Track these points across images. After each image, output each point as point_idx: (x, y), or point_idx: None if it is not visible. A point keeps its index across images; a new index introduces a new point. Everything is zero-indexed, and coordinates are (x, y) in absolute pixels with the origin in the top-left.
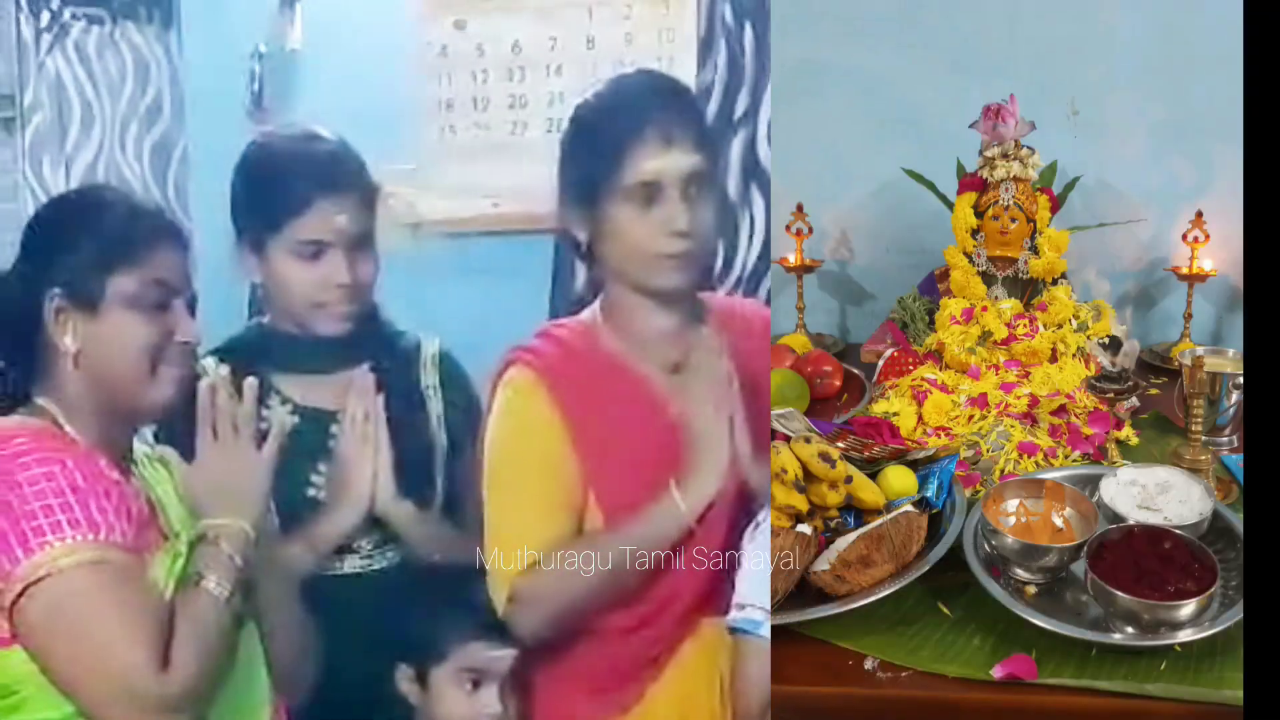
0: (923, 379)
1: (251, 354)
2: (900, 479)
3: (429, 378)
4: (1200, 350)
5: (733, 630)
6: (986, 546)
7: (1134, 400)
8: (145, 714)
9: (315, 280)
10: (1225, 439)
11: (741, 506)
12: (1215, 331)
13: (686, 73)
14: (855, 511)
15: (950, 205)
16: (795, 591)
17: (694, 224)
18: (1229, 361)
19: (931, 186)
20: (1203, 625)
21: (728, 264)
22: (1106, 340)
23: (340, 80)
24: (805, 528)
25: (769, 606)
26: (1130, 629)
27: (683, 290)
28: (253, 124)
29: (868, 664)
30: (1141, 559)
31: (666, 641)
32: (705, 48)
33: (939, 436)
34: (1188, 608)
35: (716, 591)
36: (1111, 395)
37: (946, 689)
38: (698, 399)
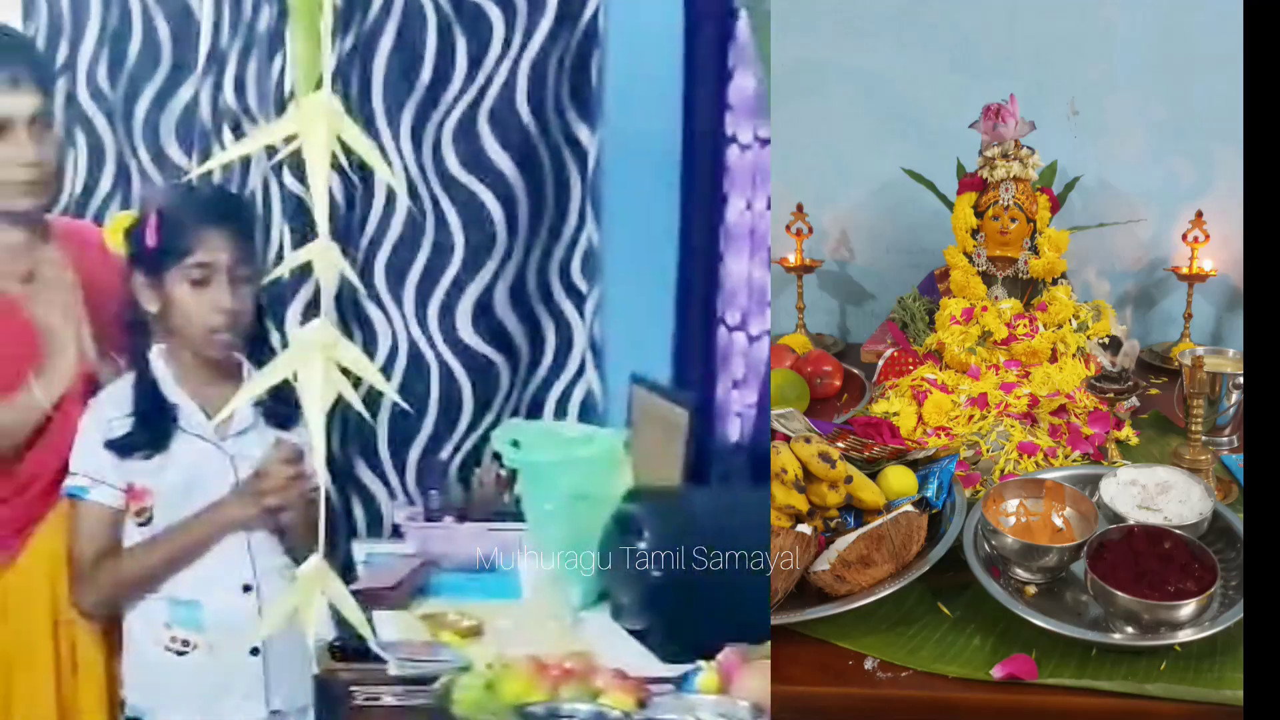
0: (923, 379)
1: None
2: (900, 479)
3: None
4: (1200, 350)
5: (67, 494)
6: (986, 546)
7: (1134, 400)
8: None
9: None
10: (1225, 439)
11: (90, 397)
12: (1215, 331)
13: (13, 24)
14: (855, 511)
15: (950, 205)
16: (795, 591)
17: (40, 155)
18: (1229, 361)
19: (931, 186)
20: (1203, 625)
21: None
22: (1106, 340)
23: None
24: (805, 528)
25: (96, 475)
26: (1130, 629)
27: (32, 211)
28: None
29: (868, 664)
30: (1141, 559)
31: (32, 511)
32: (29, 2)
33: (939, 436)
34: (1188, 608)
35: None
36: (1111, 395)
37: (946, 689)
38: (46, 305)
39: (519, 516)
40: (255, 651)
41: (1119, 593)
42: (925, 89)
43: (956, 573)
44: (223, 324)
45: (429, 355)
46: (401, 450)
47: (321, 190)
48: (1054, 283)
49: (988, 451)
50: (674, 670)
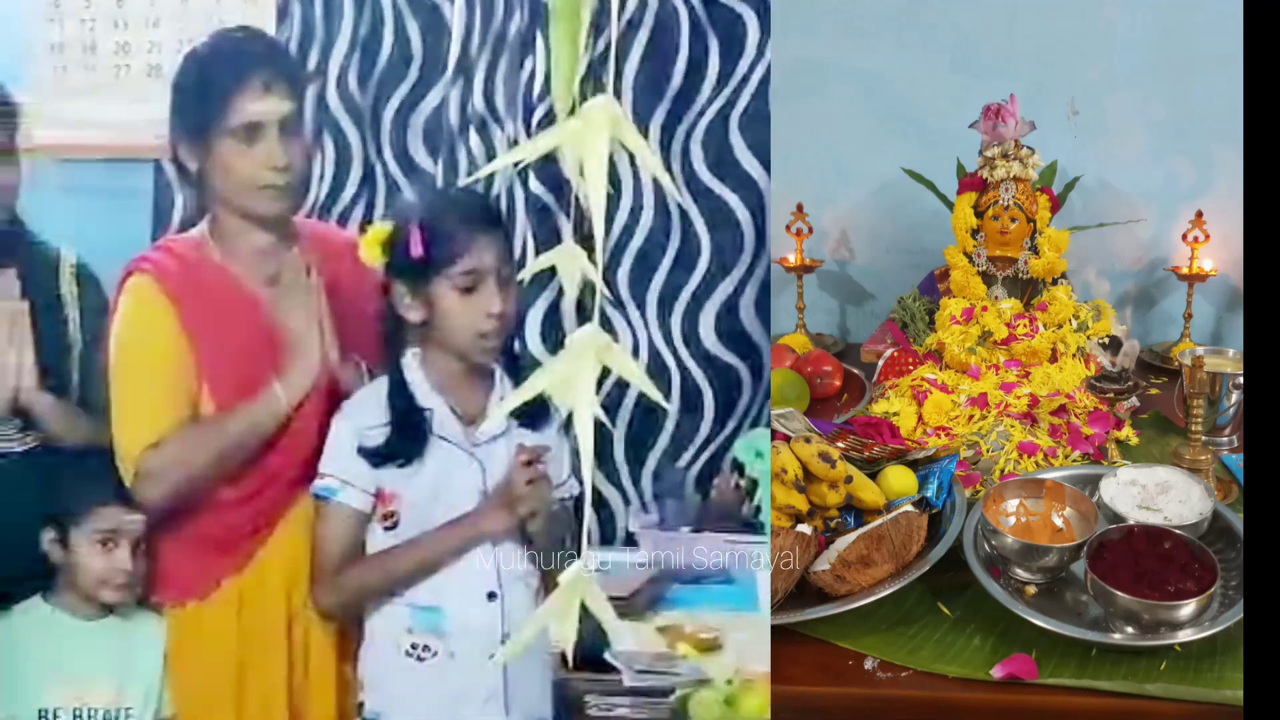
0: (923, 379)
1: None
2: (900, 479)
3: (68, 283)
4: (1200, 350)
5: (314, 496)
6: (986, 546)
7: (1134, 400)
8: None
9: None
10: (1225, 439)
11: (333, 399)
12: (1215, 331)
13: (268, 30)
14: (855, 511)
15: (950, 205)
16: (795, 591)
17: (289, 160)
18: (1229, 361)
19: (931, 186)
20: (1203, 625)
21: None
22: (1106, 340)
23: None
24: (805, 528)
25: (345, 477)
26: (1130, 629)
27: (279, 215)
28: None
29: (868, 664)
30: (1141, 559)
31: (273, 511)
32: (283, 9)
33: (939, 436)
34: (1188, 608)
35: (313, 469)
36: (1111, 395)
37: (946, 689)
38: (290, 308)
39: (758, 528)
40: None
41: (1119, 593)
42: (925, 89)
43: (956, 573)
44: (493, 328)
45: (670, 362)
46: (639, 457)
47: (599, 195)
48: (1054, 283)
49: (988, 451)
50: None
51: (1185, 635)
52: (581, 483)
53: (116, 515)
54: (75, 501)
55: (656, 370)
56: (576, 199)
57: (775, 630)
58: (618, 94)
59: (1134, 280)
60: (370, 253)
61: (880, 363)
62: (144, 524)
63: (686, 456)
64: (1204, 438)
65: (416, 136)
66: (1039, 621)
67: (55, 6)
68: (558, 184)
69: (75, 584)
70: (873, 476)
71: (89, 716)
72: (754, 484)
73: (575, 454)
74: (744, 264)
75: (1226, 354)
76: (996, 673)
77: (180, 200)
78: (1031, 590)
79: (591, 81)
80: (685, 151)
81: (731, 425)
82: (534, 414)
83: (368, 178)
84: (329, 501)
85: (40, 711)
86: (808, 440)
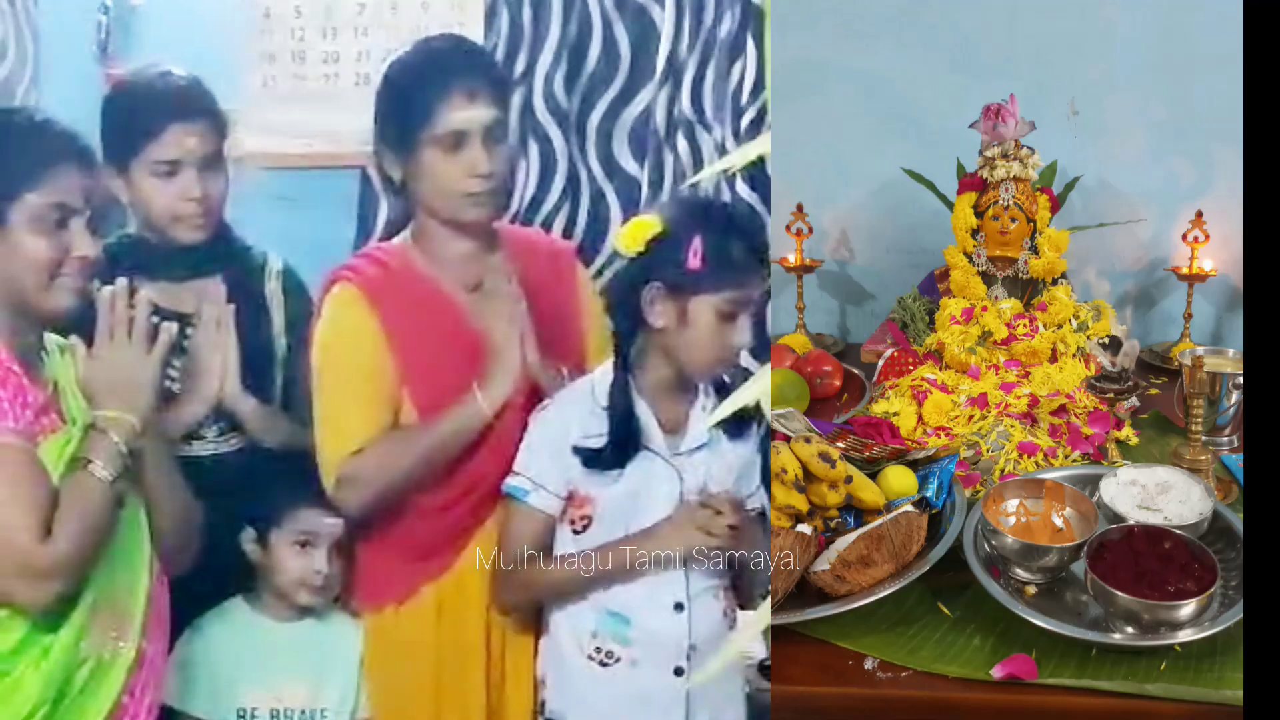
0: (923, 379)
1: (121, 261)
2: (900, 479)
3: (273, 289)
4: (1200, 350)
5: (505, 494)
6: (986, 546)
7: (1134, 400)
8: (25, 577)
9: (172, 194)
10: (1225, 439)
11: (533, 405)
12: (1215, 331)
13: (475, 36)
14: (855, 511)
15: (950, 205)
16: (795, 591)
17: (493, 167)
18: (1229, 361)
19: (931, 186)
20: (1203, 625)
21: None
22: (1106, 340)
23: (175, 34)
24: (805, 528)
25: (539, 480)
26: (1130, 629)
27: (482, 222)
28: (100, 69)
29: (868, 664)
30: (1141, 559)
31: (473, 518)
32: (491, 14)
33: (939, 436)
34: (1188, 608)
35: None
36: (1111, 395)
37: (946, 689)
38: (492, 314)
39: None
40: (679, 672)
41: (1119, 593)
42: (925, 89)
43: (956, 573)
44: (733, 358)
45: None
46: None
47: None
48: (1054, 283)
49: (988, 451)
50: None
51: (1185, 635)
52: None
53: (315, 518)
54: (275, 503)
55: None
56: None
57: (775, 630)
58: None
59: (1134, 280)
60: (630, 243)
61: (880, 363)
62: (342, 528)
63: None
64: (1204, 438)
65: (622, 142)
66: (1039, 621)
67: (265, 16)
68: (763, 186)
69: (273, 585)
70: (873, 476)
71: (285, 717)
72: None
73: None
74: None
75: (1226, 354)
76: (996, 673)
77: (384, 208)
78: (1031, 590)
79: None
80: None
81: None
82: (737, 424)
83: (571, 183)
84: (519, 502)
85: (239, 711)
86: (808, 440)
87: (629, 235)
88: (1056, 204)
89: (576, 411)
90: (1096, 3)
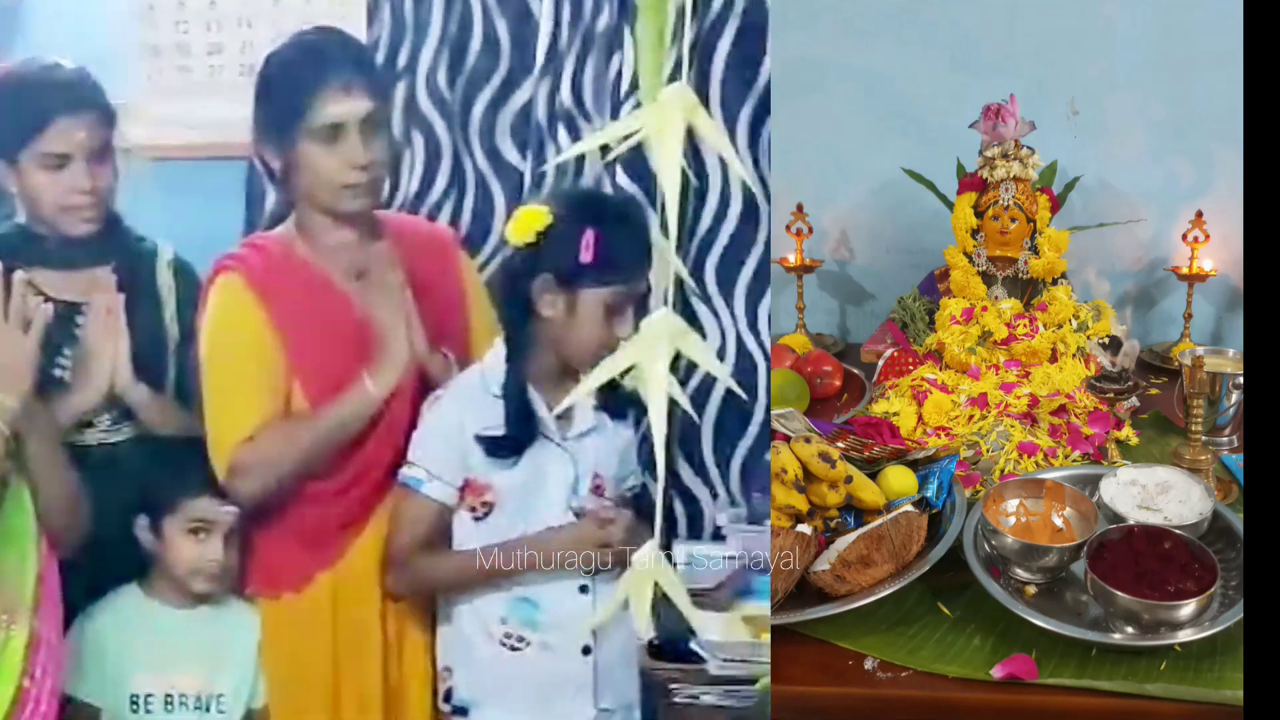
0: (923, 379)
1: (10, 251)
2: (900, 479)
3: (164, 278)
4: (1200, 350)
5: (401, 484)
6: (986, 546)
7: (1134, 400)
8: None
9: (61, 187)
10: (1225, 439)
11: (422, 391)
12: (1215, 331)
13: (358, 29)
14: (855, 511)
15: (950, 205)
16: (795, 591)
17: (371, 158)
18: (1229, 361)
19: (931, 186)
20: (1203, 625)
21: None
22: (1106, 340)
23: (61, 27)
24: (805, 528)
25: (434, 470)
26: (1130, 629)
27: (362, 212)
28: None
29: (868, 664)
30: (1141, 559)
31: (365, 505)
32: (373, 8)
33: (939, 436)
34: (1188, 608)
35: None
36: (1111, 395)
37: (946, 689)
38: (378, 302)
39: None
40: (587, 651)
41: (1119, 593)
42: (925, 88)
43: (956, 573)
44: (617, 345)
45: (758, 357)
46: (726, 451)
47: (673, 181)
48: (1054, 283)
49: (988, 451)
50: None
51: (1185, 635)
52: (655, 471)
53: (209, 506)
54: (169, 491)
55: (743, 364)
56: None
57: (775, 630)
58: (705, 89)
59: (1134, 280)
60: (520, 234)
61: (880, 363)
62: (236, 516)
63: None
64: (1204, 438)
65: (505, 133)
66: (1039, 621)
67: (150, 9)
68: (645, 177)
69: (168, 572)
70: (873, 476)
71: (180, 703)
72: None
73: (647, 444)
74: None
75: (1226, 354)
76: (996, 673)
77: (270, 198)
78: (1031, 590)
79: (678, 76)
80: (771, 146)
81: None
82: (618, 406)
83: (456, 174)
84: (416, 492)
85: (132, 698)
86: (808, 440)
87: (518, 225)
88: (1056, 204)
89: (470, 400)
90: (1096, 1)
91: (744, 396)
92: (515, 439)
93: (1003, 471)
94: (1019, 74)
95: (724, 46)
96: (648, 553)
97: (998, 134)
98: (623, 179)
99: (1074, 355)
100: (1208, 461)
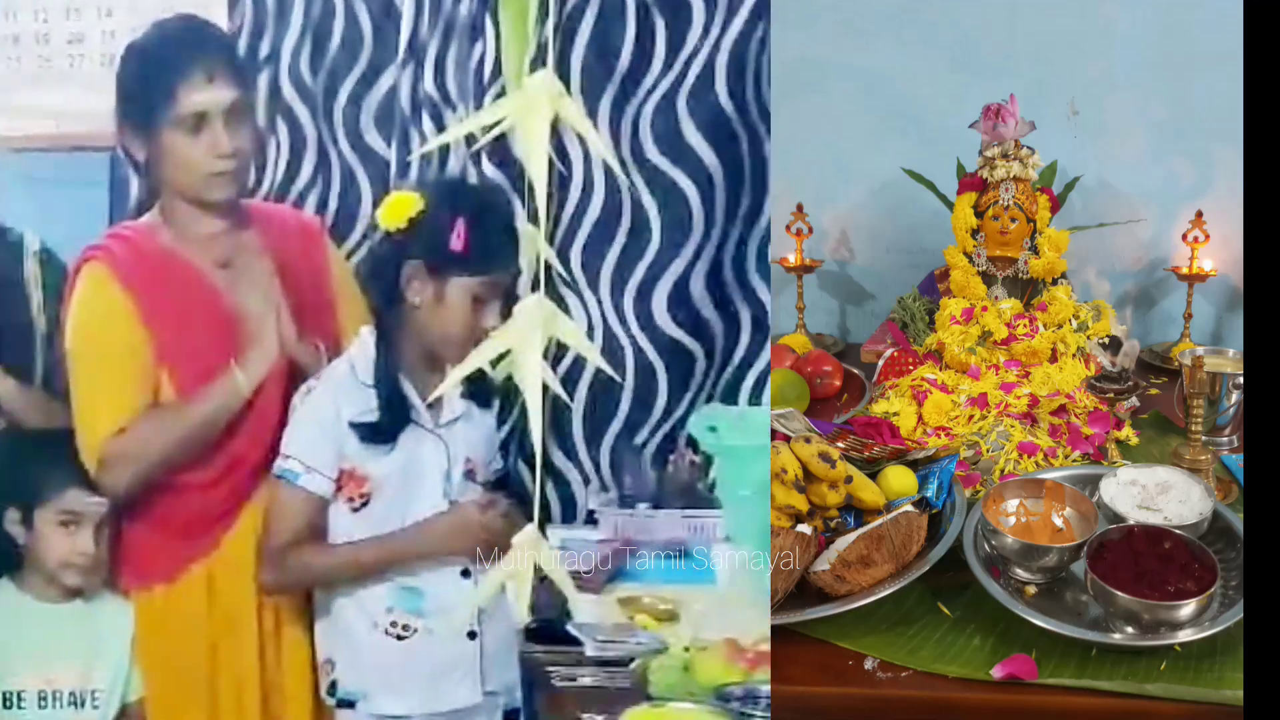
0: (923, 379)
1: None
2: (900, 479)
3: (31, 269)
4: (1200, 350)
5: (276, 476)
6: (986, 546)
7: (1134, 400)
8: None
9: None
10: (1225, 439)
11: (292, 381)
12: (1215, 331)
13: (219, 17)
14: (855, 511)
15: (950, 205)
16: (795, 591)
17: (235, 146)
18: (1229, 361)
19: (931, 186)
20: (1203, 625)
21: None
22: (1106, 340)
23: None
24: (805, 528)
25: (310, 462)
26: (1130, 629)
27: (228, 201)
28: None
29: (868, 664)
30: (1141, 559)
31: (237, 495)
32: (234, 1)
33: (939, 436)
34: (1188, 608)
35: (276, 451)
36: (1111, 395)
37: (946, 689)
38: (246, 291)
39: (714, 503)
40: (472, 635)
41: (1119, 593)
42: (925, 88)
43: (956, 573)
44: (481, 339)
45: (624, 340)
46: (596, 436)
47: (541, 168)
48: (1054, 283)
49: (988, 451)
50: None
51: (1185, 635)
52: (520, 456)
53: (79, 498)
54: (39, 484)
55: (611, 349)
56: (532, 179)
57: (775, 630)
58: (567, 75)
59: (1134, 280)
60: (392, 219)
61: (880, 363)
62: (107, 508)
63: (643, 434)
64: (1204, 438)
65: (370, 122)
66: (1039, 621)
67: None
68: (510, 165)
69: (39, 566)
70: (873, 476)
71: (54, 699)
72: (709, 459)
73: (508, 429)
74: (694, 242)
75: (1226, 354)
76: (996, 673)
77: (135, 187)
78: (1031, 590)
79: (539, 64)
80: (635, 131)
81: (686, 402)
82: (484, 394)
83: (322, 162)
84: (291, 485)
85: (5, 694)
86: (808, 440)
87: (391, 210)
88: (1056, 204)
89: (343, 390)
90: (1096, 1)
91: (617, 379)
92: (388, 424)
93: (1003, 471)
94: (1019, 74)
95: (585, 31)
96: (527, 535)
97: (998, 134)
98: (489, 167)
99: (1074, 355)
100: (1208, 461)
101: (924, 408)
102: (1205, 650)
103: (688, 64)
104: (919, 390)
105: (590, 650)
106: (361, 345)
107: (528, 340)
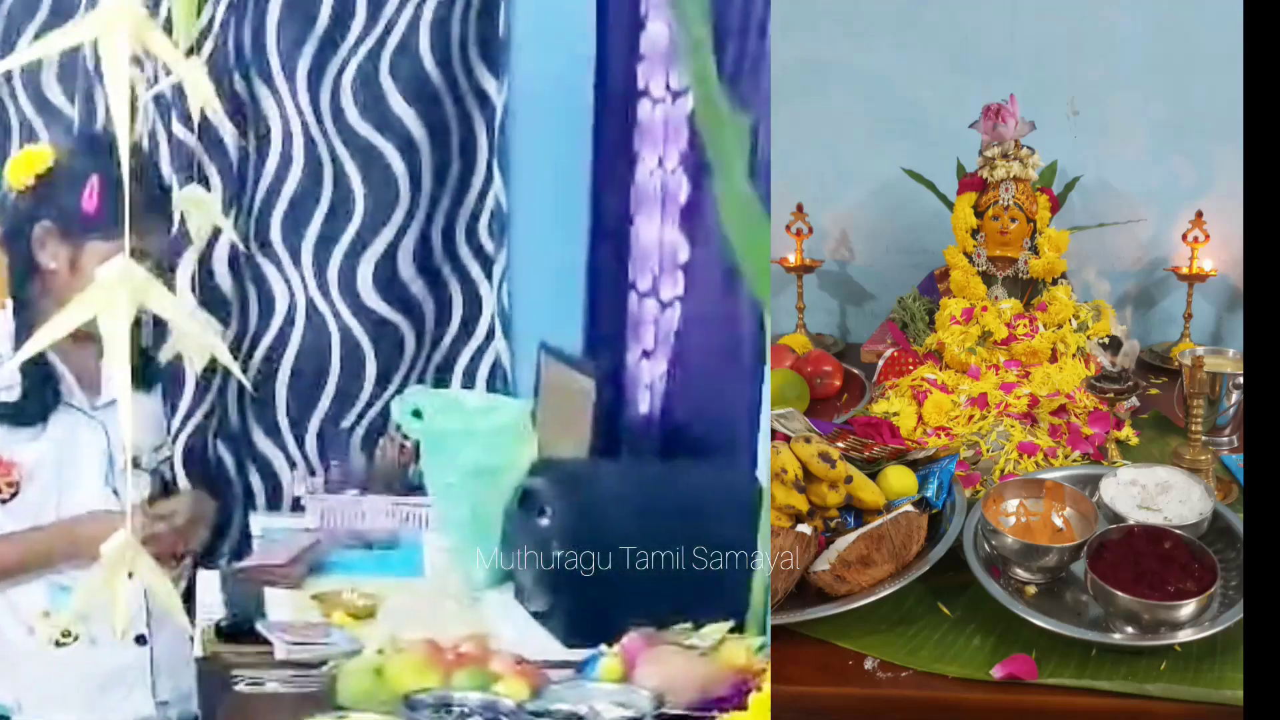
0: (923, 379)
1: None
2: (900, 479)
3: None
4: (1200, 350)
5: None
6: (986, 546)
7: (1134, 400)
8: None
9: None
10: (1225, 439)
11: None
12: (1215, 331)
13: None
14: (855, 511)
15: (950, 205)
16: (795, 591)
17: None
18: (1229, 361)
19: (931, 186)
20: (1203, 625)
21: None
22: (1106, 340)
23: None
24: (805, 528)
25: None
26: (1130, 629)
27: None
28: None
29: (868, 664)
30: (1141, 559)
31: None
32: None
33: (939, 436)
34: (1188, 608)
35: None
36: (1111, 395)
37: (946, 689)
38: None
39: (424, 490)
40: (142, 640)
41: (1119, 593)
42: (925, 89)
43: (956, 573)
44: None
45: (329, 317)
46: (302, 418)
47: (122, 102)
48: (1054, 283)
49: (988, 451)
50: (576, 655)
51: (1185, 635)
52: (232, 434)
53: None
54: None
55: (316, 325)
56: (224, 143)
57: (775, 630)
58: (262, 38)
59: (1134, 280)
60: (18, 177)
61: (880, 363)
62: None
63: (350, 417)
64: (1204, 438)
65: (51, 78)
66: (1039, 621)
67: None
68: (207, 129)
69: None
70: (873, 476)
71: None
72: (419, 445)
73: (211, 410)
74: (400, 215)
75: (1226, 354)
76: (996, 673)
77: None
78: (1031, 590)
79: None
80: (335, 96)
81: (394, 385)
82: (148, 374)
83: (1, 119)
84: None
85: None
86: (808, 440)
87: (16, 166)
88: (1056, 204)
89: None
90: (1097, 2)
91: (246, 380)
92: (33, 402)
93: (1003, 471)
94: (1019, 74)
95: None
96: (115, 542)
97: (998, 134)
98: (178, 128)
99: (1074, 355)
100: (1208, 461)
101: (924, 408)
102: (1205, 650)
103: (390, 26)
104: (919, 390)
105: (281, 653)
106: (1, 318)
107: (112, 308)
